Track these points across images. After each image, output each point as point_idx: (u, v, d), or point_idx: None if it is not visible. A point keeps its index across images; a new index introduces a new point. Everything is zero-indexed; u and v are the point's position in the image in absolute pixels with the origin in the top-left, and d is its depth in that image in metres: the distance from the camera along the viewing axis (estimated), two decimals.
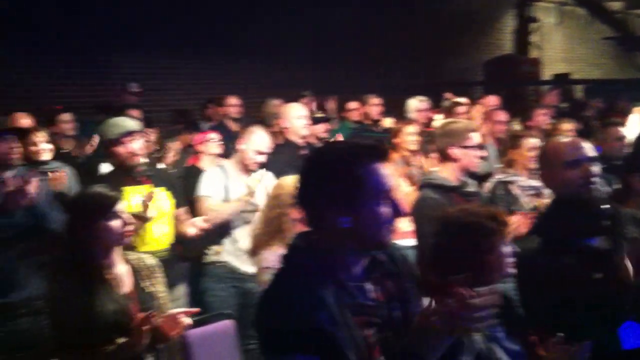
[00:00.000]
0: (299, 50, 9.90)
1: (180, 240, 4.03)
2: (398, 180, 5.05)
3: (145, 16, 8.50)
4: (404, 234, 4.82)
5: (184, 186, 4.46)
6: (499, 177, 4.37)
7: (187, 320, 2.73)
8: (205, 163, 5.24)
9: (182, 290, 4.00)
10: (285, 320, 1.61)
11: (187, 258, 4.25)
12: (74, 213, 2.84)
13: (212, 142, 5.46)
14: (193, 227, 3.88)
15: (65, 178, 4.57)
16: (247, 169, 4.31)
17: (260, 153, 4.30)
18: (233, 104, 7.20)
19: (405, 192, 4.98)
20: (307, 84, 8.22)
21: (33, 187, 3.54)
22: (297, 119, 5.03)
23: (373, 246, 1.75)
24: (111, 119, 4.07)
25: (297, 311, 1.61)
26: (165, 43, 8.81)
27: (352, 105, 7.62)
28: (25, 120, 5.53)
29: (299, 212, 1.77)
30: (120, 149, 3.83)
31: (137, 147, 3.86)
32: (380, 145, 1.77)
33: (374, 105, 7.36)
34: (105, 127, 3.93)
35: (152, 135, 5.63)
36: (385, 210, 1.70)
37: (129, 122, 4.02)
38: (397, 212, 1.72)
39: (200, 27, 9.03)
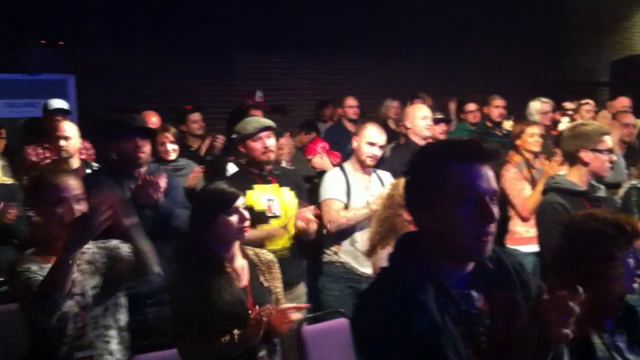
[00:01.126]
0: (418, 49, 9.82)
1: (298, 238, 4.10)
2: (520, 183, 4.92)
3: (272, 17, 8.74)
4: (526, 240, 4.72)
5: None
6: (632, 182, 4.18)
7: (296, 315, 2.78)
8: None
9: (302, 289, 4.06)
10: (382, 322, 1.57)
11: (306, 256, 4.31)
12: (196, 208, 3.00)
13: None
14: (302, 220, 3.89)
15: (199, 175, 4.81)
16: (363, 165, 4.32)
17: (373, 144, 4.30)
18: (351, 105, 7.26)
19: (527, 195, 4.85)
20: (426, 84, 8.17)
21: (162, 184, 3.70)
22: (419, 119, 5.02)
23: (461, 252, 1.64)
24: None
25: (395, 314, 1.56)
26: (291, 43, 9.00)
27: (470, 106, 7.47)
28: (154, 119, 5.82)
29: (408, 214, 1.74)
30: (256, 144, 3.95)
31: (271, 143, 3.98)
32: (473, 145, 1.63)
33: (497, 106, 7.09)
34: (242, 124, 4.07)
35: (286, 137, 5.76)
36: (471, 214, 1.59)
37: (265, 120, 4.15)
38: (488, 218, 1.59)
39: (324, 29, 9.15)
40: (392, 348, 1.53)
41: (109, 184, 3.51)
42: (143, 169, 3.78)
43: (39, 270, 2.53)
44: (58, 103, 5.53)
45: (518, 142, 5.14)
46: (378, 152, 4.34)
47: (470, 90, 8.08)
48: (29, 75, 7.35)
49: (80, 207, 2.62)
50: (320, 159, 5.69)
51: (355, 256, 4.22)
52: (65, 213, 2.59)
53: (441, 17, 9.76)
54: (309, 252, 4.26)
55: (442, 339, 1.53)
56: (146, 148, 3.82)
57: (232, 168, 4.78)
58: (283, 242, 3.92)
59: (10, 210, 4.09)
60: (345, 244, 4.26)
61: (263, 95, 7.92)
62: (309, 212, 3.87)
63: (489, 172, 1.63)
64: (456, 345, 1.55)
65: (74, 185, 2.66)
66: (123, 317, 2.74)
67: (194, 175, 4.88)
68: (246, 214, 2.91)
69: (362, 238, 4.14)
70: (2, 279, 4.12)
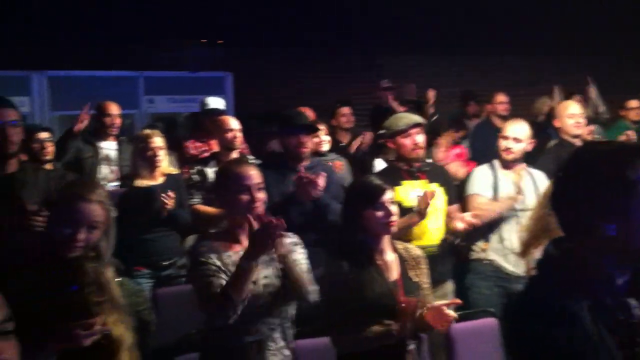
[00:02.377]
0: (570, 44, 9.39)
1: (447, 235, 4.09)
2: None
3: (418, 16, 8.71)
4: None
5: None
6: None
7: (453, 314, 2.77)
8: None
9: (449, 287, 4.04)
10: (532, 334, 1.51)
11: (455, 254, 4.28)
12: (346, 201, 3.08)
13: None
14: (462, 222, 3.90)
15: (341, 168, 4.91)
16: (510, 162, 4.24)
17: (518, 140, 4.20)
18: (501, 101, 7.08)
19: None
20: (580, 80, 7.80)
21: (321, 183, 3.82)
22: (569, 117, 4.83)
23: (634, 258, 1.57)
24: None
25: (546, 326, 1.50)
26: (435, 42, 8.94)
27: (633, 103, 7.05)
28: (309, 114, 5.98)
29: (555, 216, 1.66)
30: (406, 141, 3.98)
31: (421, 140, 4.00)
32: None
33: None
34: (392, 120, 4.12)
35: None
36: None
37: (415, 116, 4.18)
38: None
39: (466, 25, 9.00)
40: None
41: (273, 177, 3.68)
42: (304, 164, 3.92)
43: (218, 259, 2.66)
44: (214, 103, 5.80)
45: None
46: (523, 148, 4.24)
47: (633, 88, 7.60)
48: (189, 73, 7.85)
49: (261, 195, 2.75)
50: (455, 167, 5.62)
51: (504, 254, 4.14)
52: (248, 200, 2.71)
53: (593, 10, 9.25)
54: (456, 249, 4.23)
55: (598, 351, 1.48)
56: (309, 144, 3.97)
57: (379, 164, 4.83)
58: (433, 240, 3.93)
59: (169, 198, 4.38)
60: (494, 241, 4.19)
61: (391, 84, 7.86)
62: (470, 215, 3.87)
63: None
64: (613, 357, 1.49)
65: (255, 174, 2.77)
66: (290, 308, 2.81)
67: (337, 169, 4.96)
68: (393, 208, 2.93)
69: (510, 236, 4.08)
70: (168, 263, 4.48)
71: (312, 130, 4.11)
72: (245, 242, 2.74)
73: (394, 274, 2.94)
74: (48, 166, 4.82)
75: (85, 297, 2.24)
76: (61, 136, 5.54)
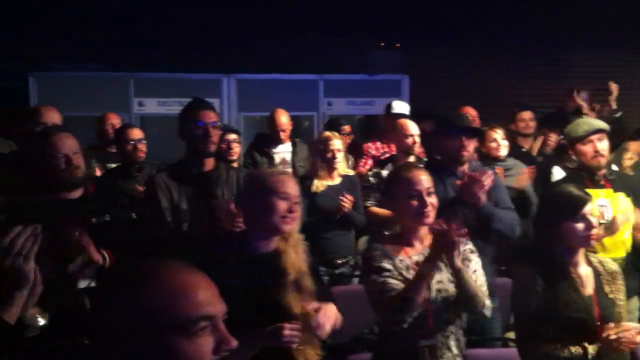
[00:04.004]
0: None
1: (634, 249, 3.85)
2: None
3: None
4: None
5: None
6: None
7: None
8: None
9: (635, 303, 3.80)
10: None
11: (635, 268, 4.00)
12: (542, 210, 2.97)
13: None
14: None
15: (528, 175, 4.75)
16: None
17: None
18: None
19: None
20: None
21: (487, 182, 3.70)
22: None
23: None
24: (579, 118, 4.06)
25: None
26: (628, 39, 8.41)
27: None
28: (471, 114, 5.87)
29: None
30: (586, 148, 3.79)
31: (603, 147, 3.79)
32: None
33: None
34: (572, 126, 3.94)
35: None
36: None
37: (597, 121, 3.97)
38: None
39: None
40: None
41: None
42: (465, 167, 3.82)
43: (391, 263, 2.70)
44: (400, 107, 5.86)
45: None
46: None
47: None
48: (368, 76, 8.01)
49: (432, 200, 2.75)
50: None
51: None
52: (418, 205, 2.73)
53: None
54: None
55: None
56: (470, 147, 3.84)
57: (557, 172, 4.63)
58: (618, 253, 3.70)
59: (346, 200, 4.49)
60: None
61: (588, 96, 7.45)
62: None
63: None
64: None
65: (425, 179, 2.77)
66: (464, 315, 2.80)
67: (523, 176, 4.82)
68: (594, 220, 2.80)
69: None
70: (342, 261, 4.63)
71: (474, 132, 3.98)
72: (418, 246, 2.76)
73: (589, 289, 2.80)
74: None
75: (287, 294, 2.41)
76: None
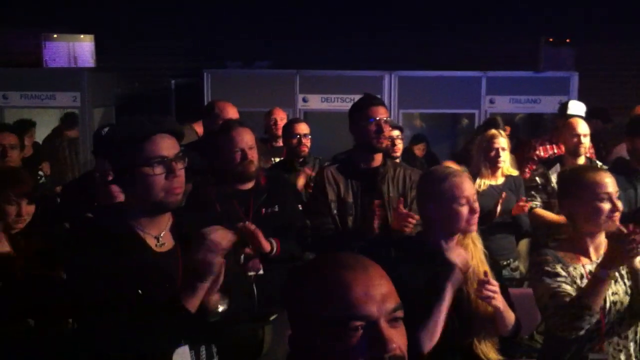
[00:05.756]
0: None
1: None
2: None
3: None
4: None
5: None
6: None
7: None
8: None
9: None
10: None
11: None
12: None
13: None
14: None
15: None
16: None
17: None
18: None
19: None
20: None
21: None
22: None
23: None
24: None
25: None
26: None
27: None
28: None
29: None
30: None
31: None
32: None
33: None
34: None
35: None
36: None
37: None
38: None
39: None
40: None
41: (619, 184, 3.48)
42: None
43: (564, 269, 2.60)
44: (577, 108, 5.59)
45: None
46: None
47: None
48: (534, 73, 7.72)
49: (619, 204, 2.61)
50: None
51: None
52: (607, 210, 2.59)
53: None
54: None
55: None
56: None
57: None
58: None
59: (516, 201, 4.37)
60: None
61: None
62: None
63: None
64: None
65: (610, 182, 2.63)
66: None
67: None
68: None
69: None
70: (503, 263, 4.49)
71: None
72: (593, 255, 2.63)
73: None
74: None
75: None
76: None
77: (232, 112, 4.36)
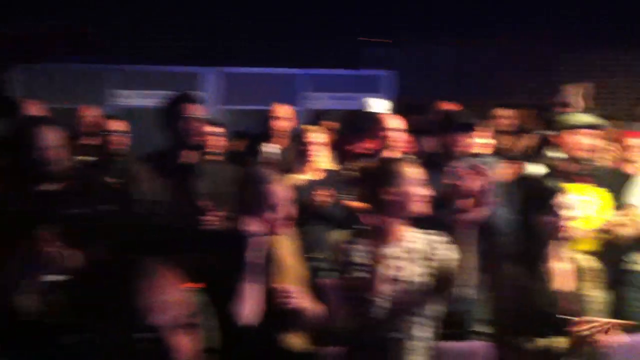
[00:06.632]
0: None
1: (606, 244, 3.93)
2: None
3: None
4: None
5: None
6: None
7: (614, 334, 2.70)
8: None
9: (606, 297, 3.89)
10: None
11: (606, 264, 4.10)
12: (517, 204, 3.08)
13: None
14: (620, 229, 3.71)
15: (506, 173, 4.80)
16: None
17: None
18: None
19: None
20: None
21: (485, 179, 3.73)
22: None
23: None
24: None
25: None
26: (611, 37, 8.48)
27: None
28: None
29: None
30: (570, 140, 3.85)
31: (587, 142, 3.85)
32: None
33: None
34: (563, 118, 4.00)
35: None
36: None
37: (589, 117, 4.06)
38: None
39: None
40: None
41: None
42: (462, 163, 3.88)
43: (363, 256, 2.77)
44: (375, 104, 5.86)
45: None
46: None
47: None
48: (351, 70, 8.00)
49: (419, 191, 2.80)
50: None
51: None
52: (418, 196, 2.77)
53: None
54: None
55: None
56: (465, 143, 3.97)
57: (533, 168, 4.68)
58: (591, 247, 3.78)
59: (325, 194, 4.51)
60: None
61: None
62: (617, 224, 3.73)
63: None
64: None
65: (409, 172, 2.82)
66: (434, 308, 2.83)
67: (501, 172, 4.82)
68: (566, 213, 2.89)
69: None
70: (317, 256, 4.61)
71: (469, 129, 4.05)
72: (393, 241, 2.80)
73: (563, 283, 2.87)
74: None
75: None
76: None
77: (36, 109, 4.11)
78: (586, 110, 5.75)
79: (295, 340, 2.58)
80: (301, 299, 2.59)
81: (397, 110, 7.19)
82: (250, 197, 2.67)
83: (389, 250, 2.77)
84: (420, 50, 8.40)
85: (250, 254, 2.56)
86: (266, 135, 5.77)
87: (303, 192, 4.51)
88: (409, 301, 2.74)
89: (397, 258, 2.77)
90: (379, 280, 2.66)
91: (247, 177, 2.79)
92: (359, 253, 2.78)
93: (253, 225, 2.64)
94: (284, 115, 5.76)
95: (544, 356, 2.72)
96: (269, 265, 2.61)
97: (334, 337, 3.25)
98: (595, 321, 2.71)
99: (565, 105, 6.19)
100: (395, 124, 4.84)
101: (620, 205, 4.07)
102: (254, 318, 2.57)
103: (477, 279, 2.94)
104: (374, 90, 7.82)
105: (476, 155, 4.83)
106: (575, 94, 7.26)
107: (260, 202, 2.63)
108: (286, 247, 2.71)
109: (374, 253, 2.77)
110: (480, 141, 4.86)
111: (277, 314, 2.56)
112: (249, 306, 2.54)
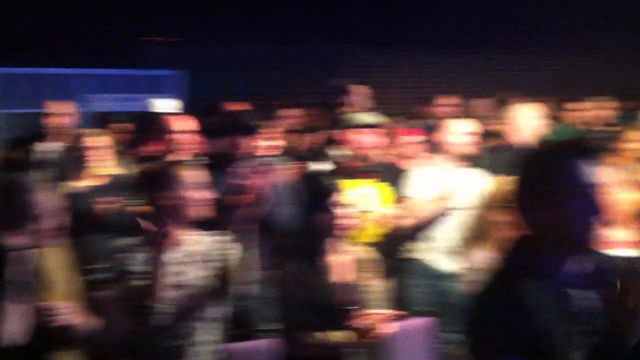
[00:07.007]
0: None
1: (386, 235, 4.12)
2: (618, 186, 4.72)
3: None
4: (621, 244, 4.51)
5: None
6: None
7: (392, 324, 2.82)
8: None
9: (382, 285, 4.09)
10: (495, 323, 1.62)
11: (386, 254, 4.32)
12: (295, 202, 3.15)
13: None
14: (399, 220, 3.93)
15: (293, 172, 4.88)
16: (452, 160, 4.30)
17: (460, 139, 4.29)
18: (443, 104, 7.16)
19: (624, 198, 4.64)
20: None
21: (267, 179, 3.75)
22: (519, 120, 4.89)
23: (575, 247, 1.69)
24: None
25: (507, 315, 1.61)
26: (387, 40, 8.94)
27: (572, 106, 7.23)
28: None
29: (512, 214, 1.75)
30: (351, 139, 4.02)
31: (369, 140, 4.03)
32: (582, 143, 1.74)
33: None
34: (344, 118, 4.19)
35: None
36: (585, 208, 1.65)
37: (368, 117, 4.26)
38: (599, 212, 1.64)
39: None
40: (506, 348, 1.59)
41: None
42: (242, 165, 3.88)
43: (143, 263, 2.68)
44: (161, 104, 5.70)
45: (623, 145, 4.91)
46: (466, 147, 4.34)
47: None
48: (135, 70, 7.72)
49: (206, 194, 2.74)
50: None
51: (435, 253, 4.22)
52: (196, 199, 2.71)
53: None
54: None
55: (552, 338, 1.59)
56: (247, 145, 3.96)
57: (317, 165, 4.83)
58: (371, 238, 3.94)
59: (107, 201, 4.29)
60: (424, 240, 4.25)
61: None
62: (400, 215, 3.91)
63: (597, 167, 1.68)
64: (564, 344, 1.60)
65: (194, 175, 2.77)
66: (218, 309, 2.81)
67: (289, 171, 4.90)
68: (343, 210, 2.97)
69: (441, 234, 4.18)
70: (98, 267, 4.36)
71: (250, 131, 4.06)
72: (175, 245, 2.73)
73: (342, 275, 2.94)
74: None
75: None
76: None
77: None
78: (368, 109, 6.09)
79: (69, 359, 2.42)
80: (71, 315, 2.41)
81: (189, 110, 7.09)
82: (10, 207, 2.43)
83: (170, 255, 2.69)
84: (211, 50, 8.31)
85: (12, 269, 2.33)
86: (40, 135, 5.40)
87: (82, 200, 4.25)
88: (193, 305, 2.69)
89: (179, 263, 2.71)
90: (159, 287, 2.56)
91: (6, 186, 2.54)
92: (139, 261, 2.66)
93: (14, 239, 2.40)
94: (58, 111, 5.41)
95: (328, 348, 2.78)
96: (34, 281, 2.39)
97: (115, 350, 3.10)
98: (374, 313, 2.81)
99: (349, 105, 6.48)
100: (183, 125, 4.71)
101: (398, 198, 4.30)
102: (20, 337, 2.33)
103: (260, 276, 2.96)
104: (161, 90, 7.59)
105: (261, 156, 4.88)
106: (357, 94, 7.66)
107: (22, 212, 2.40)
108: (56, 260, 2.51)
109: (155, 260, 2.65)
110: (266, 143, 4.91)
111: (47, 332, 2.37)
112: (14, 325, 2.33)
